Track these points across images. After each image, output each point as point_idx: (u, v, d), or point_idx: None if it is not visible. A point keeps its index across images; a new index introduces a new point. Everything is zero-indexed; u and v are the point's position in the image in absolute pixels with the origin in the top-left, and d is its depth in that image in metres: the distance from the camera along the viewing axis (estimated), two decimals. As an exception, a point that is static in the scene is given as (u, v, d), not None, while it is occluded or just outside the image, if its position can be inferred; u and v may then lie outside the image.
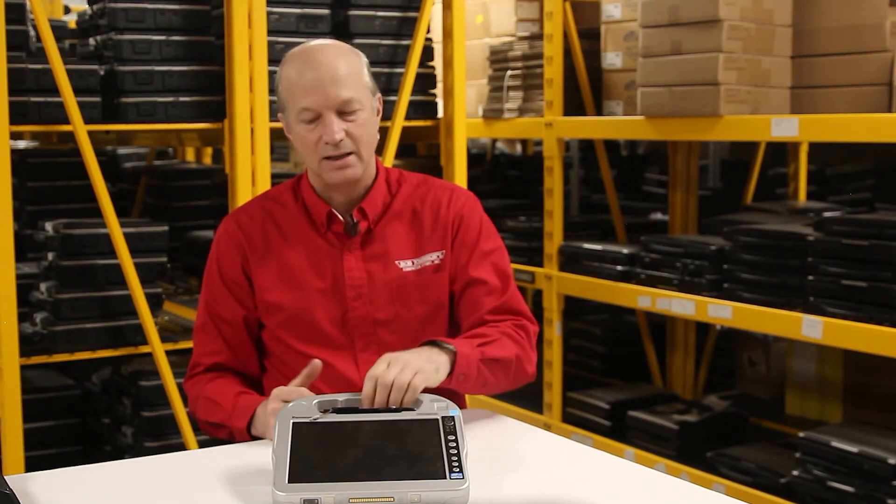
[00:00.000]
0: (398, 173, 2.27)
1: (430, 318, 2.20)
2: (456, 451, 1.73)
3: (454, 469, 1.70)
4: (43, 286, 3.58)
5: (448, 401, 1.87)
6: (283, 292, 2.17)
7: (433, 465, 1.71)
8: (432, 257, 2.20)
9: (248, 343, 2.22)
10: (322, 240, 2.18)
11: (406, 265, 2.18)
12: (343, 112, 2.08)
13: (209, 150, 6.28)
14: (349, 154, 2.09)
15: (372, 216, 2.18)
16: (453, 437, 1.76)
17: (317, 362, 2.02)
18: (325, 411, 1.84)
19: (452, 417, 1.81)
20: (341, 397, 1.90)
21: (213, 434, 2.17)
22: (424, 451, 1.74)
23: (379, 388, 1.87)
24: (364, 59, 2.17)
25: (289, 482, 1.67)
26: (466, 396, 2.31)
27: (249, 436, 2.07)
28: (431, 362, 1.96)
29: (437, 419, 1.80)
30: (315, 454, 1.74)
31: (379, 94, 2.19)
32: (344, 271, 2.16)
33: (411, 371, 1.89)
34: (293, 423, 1.77)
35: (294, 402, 1.84)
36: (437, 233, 2.20)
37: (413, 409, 1.85)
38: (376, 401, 1.86)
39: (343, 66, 2.09)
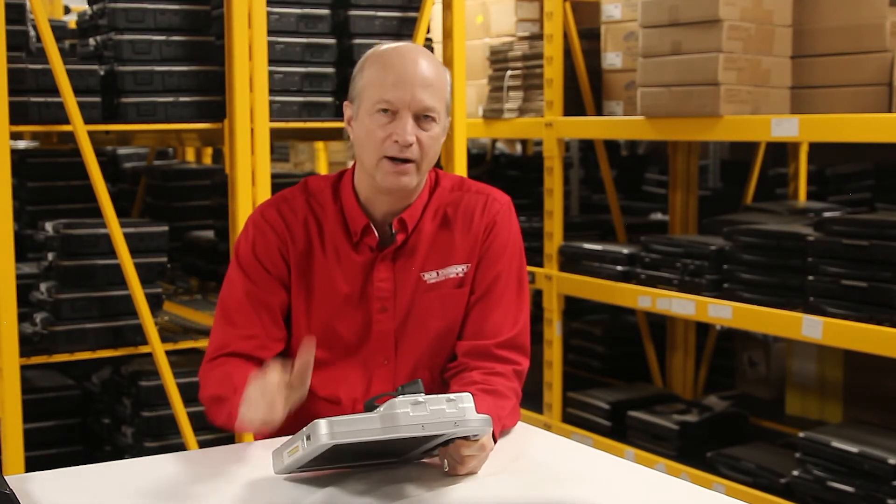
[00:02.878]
0: (434, 172, 2.20)
1: (444, 335, 2.15)
2: None
3: None
4: (43, 286, 3.57)
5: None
6: (310, 295, 2.12)
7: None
8: (457, 270, 2.14)
9: (280, 334, 2.12)
10: (353, 248, 2.12)
11: (430, 276, 2.13)
12: (420, 118, 2.03)
13: (209, 150, 6.28)
14: (411, 162, 2.03)
15: (410, 227, 2.13)
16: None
17: (310, 347, 1.88)
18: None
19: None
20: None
21: (213, 414, 2.05)
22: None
23: (456, 465, 1.86)
24: (450, 78, 2.11)
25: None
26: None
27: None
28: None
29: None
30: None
31: (450, 118, 2.14)
32: (374, 282, 2.11)
33: (480, 467, 1.90)
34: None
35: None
36: (466, 244, 2.15)
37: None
38: (450, 467, 1.87)
39: (434, 74, 2.05)
